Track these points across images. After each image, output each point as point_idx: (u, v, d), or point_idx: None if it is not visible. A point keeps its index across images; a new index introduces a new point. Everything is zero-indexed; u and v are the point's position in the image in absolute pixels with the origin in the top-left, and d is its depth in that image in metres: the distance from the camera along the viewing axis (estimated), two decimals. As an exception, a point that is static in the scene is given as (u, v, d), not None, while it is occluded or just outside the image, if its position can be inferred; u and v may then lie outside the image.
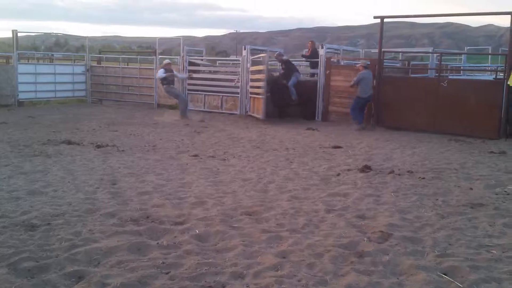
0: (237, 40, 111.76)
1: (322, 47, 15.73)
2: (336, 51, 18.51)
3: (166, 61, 15.96)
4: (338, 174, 7.81)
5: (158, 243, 4.55)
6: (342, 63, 16.90)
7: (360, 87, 13.44)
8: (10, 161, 8.10)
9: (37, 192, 6.29)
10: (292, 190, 6.80)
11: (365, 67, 13.58)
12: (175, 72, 15.94)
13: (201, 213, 5.55)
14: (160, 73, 15.21)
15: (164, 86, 15.36)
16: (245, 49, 16.69)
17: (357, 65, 14.15)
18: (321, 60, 15.46)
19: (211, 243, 4.66)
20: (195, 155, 9.23)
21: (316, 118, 15.51)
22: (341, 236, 4.87)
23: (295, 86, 14.98)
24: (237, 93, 16.73)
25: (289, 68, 15.25)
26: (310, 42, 18.37)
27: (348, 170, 8.12)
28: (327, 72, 15.12)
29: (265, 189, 6.83)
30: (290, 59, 17.14)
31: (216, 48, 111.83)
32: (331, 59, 15.80)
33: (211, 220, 5.26)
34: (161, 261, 4.13)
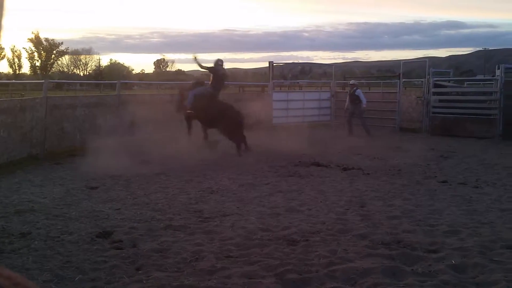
0: (485, 59, 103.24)
1: None
2: None
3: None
4: None
5: (412, 269, 4.51)
6: None
7: None
8: (269, 180, 8.99)
9: (294, 209, 6.85)
10: (562, 224, 5.99)
11: None
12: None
13: (456, 242, 5.29)
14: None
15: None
16: (498, 68, 15.37)
17: None
18: None
19: (470, 275, 4.41)
20: (444, 181, 8.85)
21: None
22: None
23: None
24: (491, 115, 15.39)
25: None
26: None
27: None
28: None
29: (529, 222, 6.16)
30: None
31: (461, 67, 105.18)
32: None
33: (467, 251, 4.98)
34: (418, 289, 4.09)
